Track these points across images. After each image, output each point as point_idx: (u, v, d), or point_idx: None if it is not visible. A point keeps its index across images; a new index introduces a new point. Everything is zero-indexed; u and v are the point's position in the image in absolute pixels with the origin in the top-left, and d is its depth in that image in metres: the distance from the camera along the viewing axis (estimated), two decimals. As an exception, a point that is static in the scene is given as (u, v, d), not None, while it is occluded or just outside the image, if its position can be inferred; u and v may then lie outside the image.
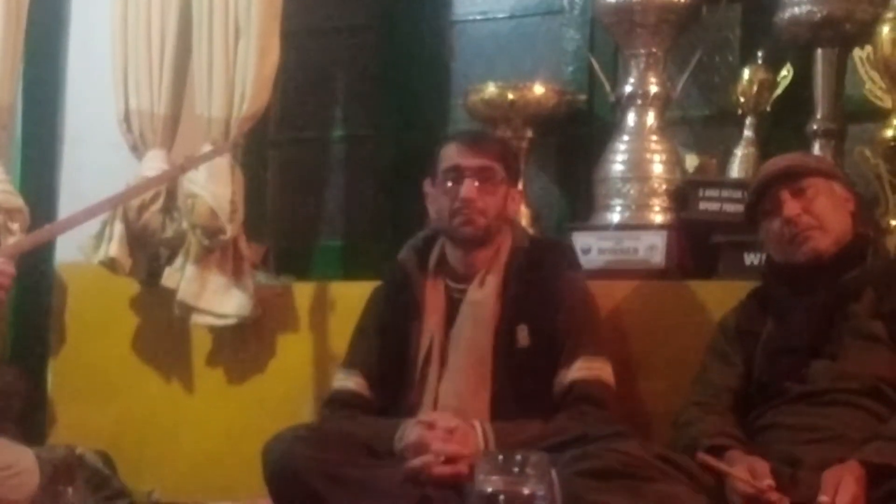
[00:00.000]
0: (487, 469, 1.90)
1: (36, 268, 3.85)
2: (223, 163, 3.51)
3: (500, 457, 1.91)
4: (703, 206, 3.20)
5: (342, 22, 4.08)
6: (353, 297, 3.20)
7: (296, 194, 4.09)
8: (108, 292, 3.82)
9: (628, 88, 3.34)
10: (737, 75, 3.37)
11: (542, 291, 2.83)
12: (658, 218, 3.25)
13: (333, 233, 4.03)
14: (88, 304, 3.92)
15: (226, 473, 3.53)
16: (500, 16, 3.89)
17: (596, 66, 3.47)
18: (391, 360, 2.87)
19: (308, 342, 3.56)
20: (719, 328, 2.79)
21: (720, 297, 2.93)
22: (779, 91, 3.36)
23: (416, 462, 2.59)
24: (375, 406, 2.86)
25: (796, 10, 3.14)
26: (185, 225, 3.58)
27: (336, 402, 2.90)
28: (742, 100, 3.34)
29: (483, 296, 2.84)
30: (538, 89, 3.49)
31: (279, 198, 4.09)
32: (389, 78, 3.98)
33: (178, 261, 3.60)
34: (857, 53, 3.25)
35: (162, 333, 3.76)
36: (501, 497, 1.87)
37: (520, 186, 3.12)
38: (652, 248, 3.17)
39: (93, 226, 3.57)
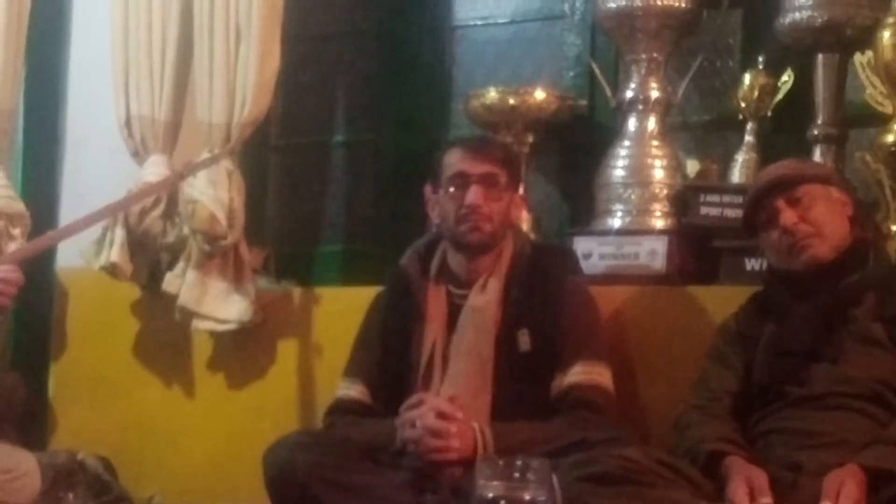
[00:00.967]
0: (488, 474, 1.89)
1: (37, 273, 3.82)
2: (224, 168, 3.51)
3: (501, 462, 1.90)
4: (704, 211, 3.19)
5: (343, 27, 4.08)
6: (353, 302, 3.20)
7: (296, 199, 4.08)
8: (110, 298, 3.82)
9: (629, 94, 3.33)
10: (738, 81, 3.36)
11: (544, 296, 2.83)
12: (659, 223, 3.25)
13: (334, 237, 4.03)
14: (89, 309, 3.92)
15: (226, 479, 3.53)
16: (501, 21, 3.88)
17: (597, 71, 3.47)
18: (393, 367, 2.88)
19: (309, 347, 3.56)
20: (719, 332, 2.79)
21: (721, 302, 2.93)
22: (780, 96, 3.36)
23: (412, 418, 2.63)
24: (378, 413, 2.86)
25: (797, 15, 3.14)
26: (185, 230, 3.58)
27: (339, 410, 2.92)
28: (743, 105, 3.33)
29: (484, 301, 2.85)
30: (539, 94, 3.48)
31: (280, 203, 4.09)
32: (390, 83, 3.98)
33: (179, 266, 3.59)
34: (858, 59, 3.24)
35: (163, 339, 3.76)
36: (502, 502, 1.87)
37: (521, 191, 3.13)
38: (653, 253, 3.17)
39: (94, 231, 3.58)
